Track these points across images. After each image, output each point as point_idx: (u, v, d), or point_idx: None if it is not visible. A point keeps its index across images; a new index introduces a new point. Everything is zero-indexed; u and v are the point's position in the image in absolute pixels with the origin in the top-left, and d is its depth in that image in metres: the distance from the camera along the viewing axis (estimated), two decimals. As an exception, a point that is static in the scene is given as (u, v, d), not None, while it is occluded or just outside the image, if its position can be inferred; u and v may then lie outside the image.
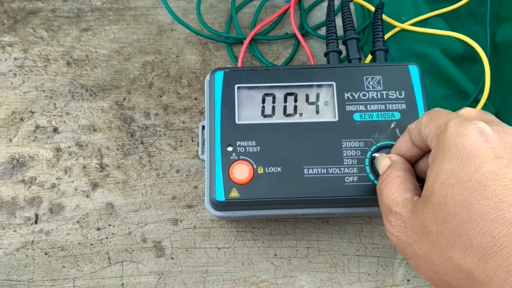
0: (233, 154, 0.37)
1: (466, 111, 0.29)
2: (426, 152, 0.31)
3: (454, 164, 0.25)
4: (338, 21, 0.48)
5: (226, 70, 0.40)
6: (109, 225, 0.44)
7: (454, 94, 0.48)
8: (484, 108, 0.45)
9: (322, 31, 0.51)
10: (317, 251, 0.43)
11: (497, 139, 0.25)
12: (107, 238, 0.43)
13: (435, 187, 0.26)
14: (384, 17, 0.47)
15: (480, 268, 0.23)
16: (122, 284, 0.42)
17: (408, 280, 0.42)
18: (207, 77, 0.40)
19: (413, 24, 0.49)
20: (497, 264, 0.22)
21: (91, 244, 0.43)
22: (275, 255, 0.43)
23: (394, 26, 0.48)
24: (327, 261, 0.43)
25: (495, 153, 0.25)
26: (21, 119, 0.47)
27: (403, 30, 0.48)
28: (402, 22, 0.49)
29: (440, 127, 0.27)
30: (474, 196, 0.24)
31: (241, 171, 0.37)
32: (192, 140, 0.47)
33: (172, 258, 0.43)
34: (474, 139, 0.25)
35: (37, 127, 0.47)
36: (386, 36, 0.49)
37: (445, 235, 0.25)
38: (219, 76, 0.40)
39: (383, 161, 0.33)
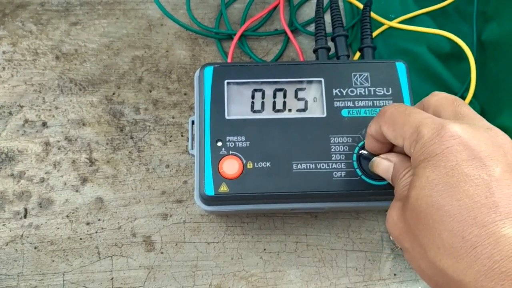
0: (223, 149, 0.38)
1: (436, 100, 0.29)
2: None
3: (429, 170, 0.26)
4: (327, 18, 0.48)
5: (216, 66, 0.40)
6: (99, 219, 0.44)
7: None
8: (470, 105, 0.46)
9: (311, 27, 0.52)
10: (305, 246, 0.43)
11: (471, 138, 0.25)
12: (96, 232, 0.43)
13: (410, 191, 0.27)
14: (373, 14, 0.48)
15: (452, 268, 0.24)
16: (112, 279, 0.42)
17: (395, 275, 0.43)
18: (197, 72, 0.41)
19: (401, 22, 0.49)
20: (468, 264, 0.23)
21: (81, 239, 0.43)
22: (264, 249, 0.43)
23: (382, 24, 0.49)
24: (316, 255, 0.43)
25: (468, 154, 0.25)
26: (10, 113, 0.47)
27: (391, 27, 0.49)
28: (390, 19, 0.49)
29: (412, 136, 0.27)
30: (444, 197, 0.24)
31: (231, 166, 0.37)
32: (182, 135, 0.47)
33: (161, 253, 0.43)
34: (447, 144, 0.25)
35: (26, 121, 0.47)
36: (374, 34, 0.49)
37: (421, 234, 0.26)
38: (209, 71, 0.40)
39: (382, 163, 0.32)
